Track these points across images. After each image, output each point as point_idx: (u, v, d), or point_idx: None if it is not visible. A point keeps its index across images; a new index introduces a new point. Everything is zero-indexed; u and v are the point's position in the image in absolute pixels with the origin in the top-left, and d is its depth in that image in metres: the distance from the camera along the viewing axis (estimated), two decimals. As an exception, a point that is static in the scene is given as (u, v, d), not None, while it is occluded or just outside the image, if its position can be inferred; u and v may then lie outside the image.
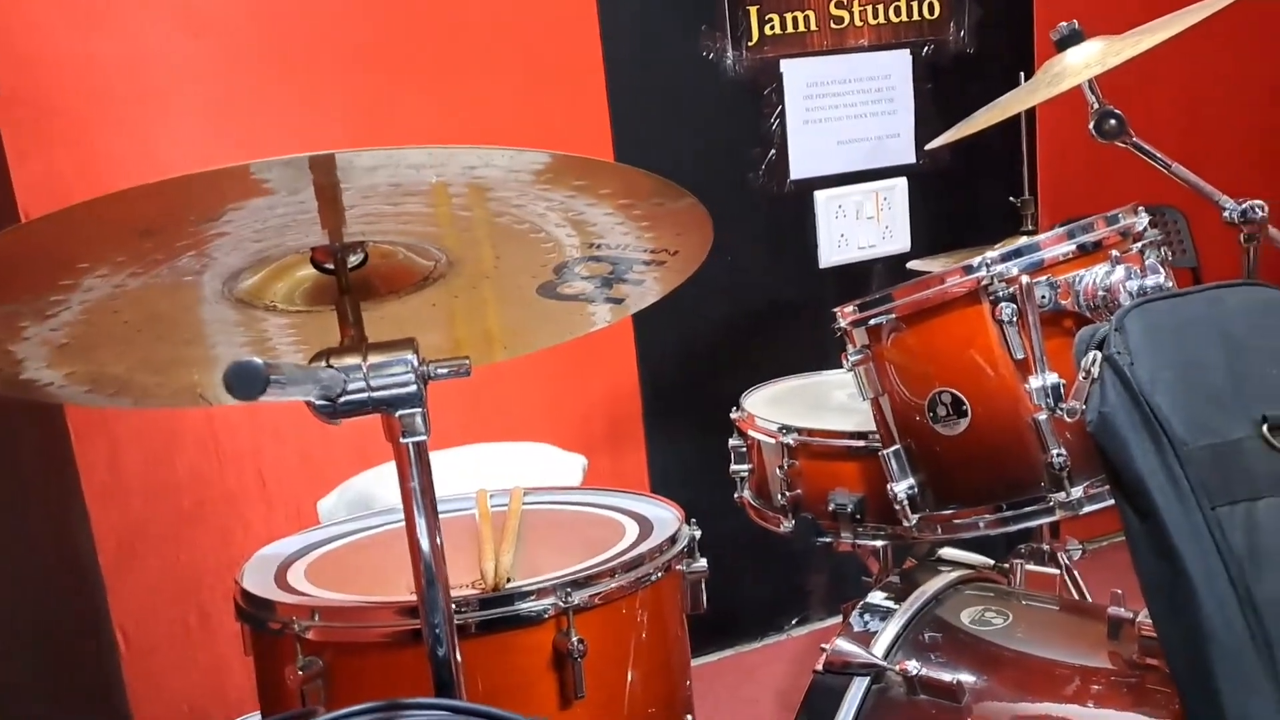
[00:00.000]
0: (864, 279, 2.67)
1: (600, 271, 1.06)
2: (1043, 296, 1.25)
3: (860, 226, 2.66)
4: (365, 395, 0.81)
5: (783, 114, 2.53)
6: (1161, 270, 1.21)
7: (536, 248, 0.97)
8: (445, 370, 0.85)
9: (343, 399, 0.80)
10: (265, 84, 2.08)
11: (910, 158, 2.67)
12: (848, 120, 2.60)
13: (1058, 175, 2.78)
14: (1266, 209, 1.58)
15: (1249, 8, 2.67)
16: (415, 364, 0.82)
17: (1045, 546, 2.06)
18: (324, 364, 0.80)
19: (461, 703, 0.77)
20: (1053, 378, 1.20)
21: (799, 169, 2.57)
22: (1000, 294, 1.26)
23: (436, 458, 2.04)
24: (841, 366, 2.10)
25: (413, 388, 0.81)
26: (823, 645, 1.34)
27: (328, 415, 0.80)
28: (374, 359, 0.82)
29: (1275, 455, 0.93)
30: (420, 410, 0.82)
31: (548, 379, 2.40)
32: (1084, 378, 0.98)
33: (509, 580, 1.20)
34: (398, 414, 0.82)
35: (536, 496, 1.57)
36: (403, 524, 1.50)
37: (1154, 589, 0.95)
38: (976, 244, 2.20)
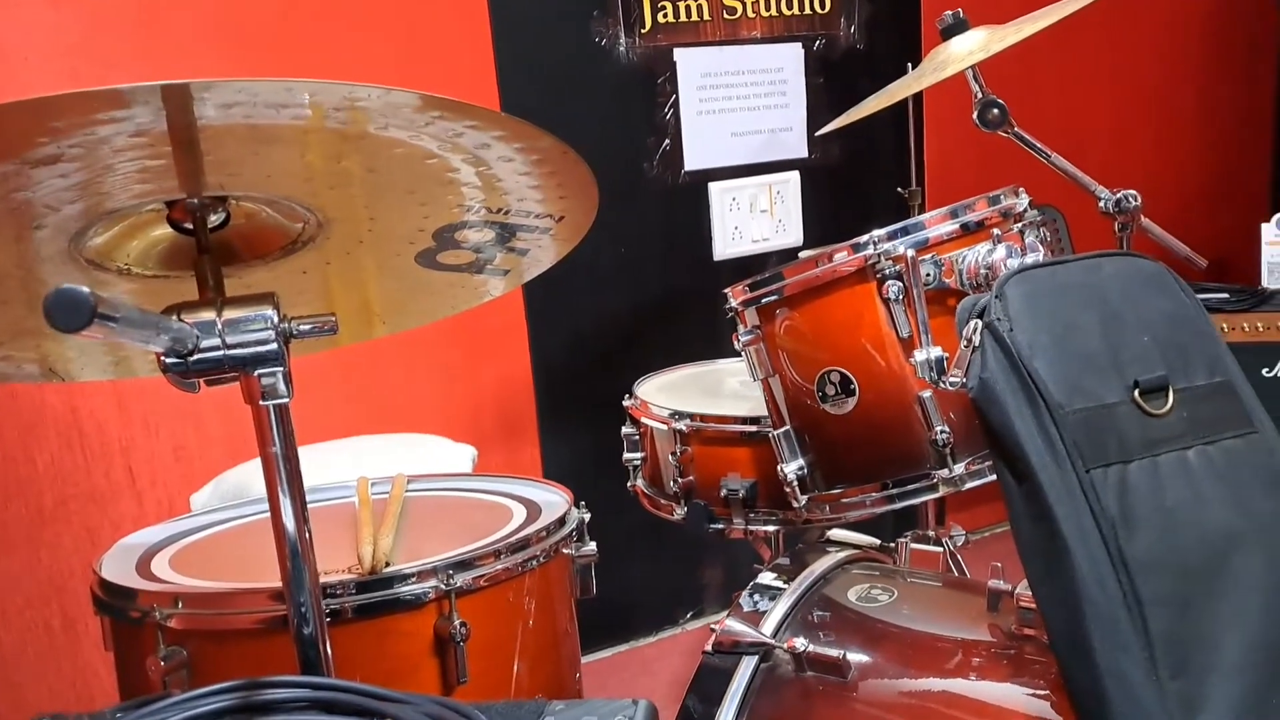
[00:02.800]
0: (758, 271, 2.66)
1: (483, 239, 1.03)
2: (928, 274, 1.26)
3: (754, 219, 2.67)
4: (221, 353, 0.76)
5: (676, 103, 2.52)
6: (1041, 249, 1.23)
7: (413, 208, 0.93)
8: (309, 327, 0.80)
9: (195, 356, 0.75)
10: (127, 48, 1.97)
11: (803, 151, 2.70)
12: (741, 112, 2.61)
13: (945, 168, 2.84)
14: (1140, 199, 1.63)
15: (1129, 4, 2.78)
16: (275, 320, 0.77)
17: (931, 533, 2.10)
18: (175, 317, 0.75)
19: (322, 679, 0.73)
20: (936, 351, 1.21)
21: (693, 160, 2.57)
22: (887, 271, 1.27)
23: (319, 449, 1.98)
24: (736, 355, 2.13)
25: (273, 345, 0.76)
26: (712, 626, 1.33)
27: (180, 374, 0.75)
28: (230, 314, 0.76)
29: (1146, 419, 0.95)
30: (281, 370, 0.77)
31: (438, 369, 2.35)
32: (965, 346, 0.99)
33: (388, 564, 1.16)
34: (256, 374, 0.77)
35: (421, 484, 1.52)
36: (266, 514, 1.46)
37: (1031, 551, 0.96)
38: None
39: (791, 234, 2.72)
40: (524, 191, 0.94)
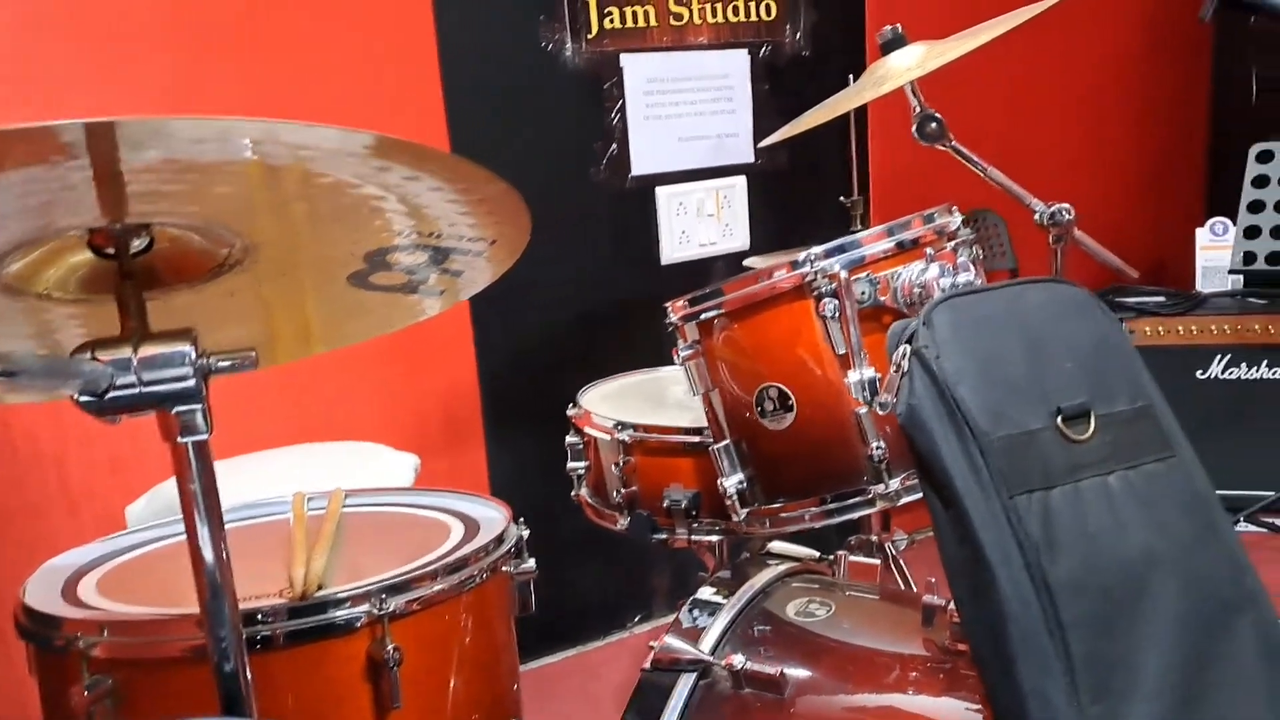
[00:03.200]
0: (705, 276, 2.68)
1: (415, 261, 1.02)
2: (862, 292, 1.27)
3: (701, 224, 2.68)
4: (136, 391, 0.75)
5: (624, 108, 2.52)
6: (972, 268, 1.25)
7: (341, 234, 0.91)
8: (228, 364, 0.78)
9: (110, 395, 0.73)
10: (65, 56, 1.93)
11: (749, 157, 2.71)
12: (688, 118, 2.61)
13: (888, 176, 2.87)
14: (1073, 212, 1.66)
15: (1065, 17, 2.82)
16: (193, 356, 0.76)
17: (874, 538, 2.12)
18: (88, 356, 0.73)
19: (241, 721, 0.72)
20: (870, 372, 1.22)
21: (640, 165, 2.57)
22: (823, 289, 1.28)
23: (260, 458, 1.95)
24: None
25: (191, 382, 0.75)
26: (651, 643, 1.33)
27: (95, 411, 0.74)
28: (146, 350, 0.75)
29: (1069, 445, 0.97)
30: (200, 407, 0.76)
31: (381, 377, 2.32)
32: (895, 371, 1.00)
33: (320, 587, 1.14)
34: (174, 411, 0.75)
35: (360, 499, 1.51)
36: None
37: (957, 574, 0.97)
38: (813, 243, 2.24)
39: (738, 238, 2.73)
40: (454, 217, 0.93)
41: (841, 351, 1.28)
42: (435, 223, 0.94)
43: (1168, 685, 0.91)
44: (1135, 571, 0.94)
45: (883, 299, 1.27)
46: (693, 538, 1.69)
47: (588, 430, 1.80)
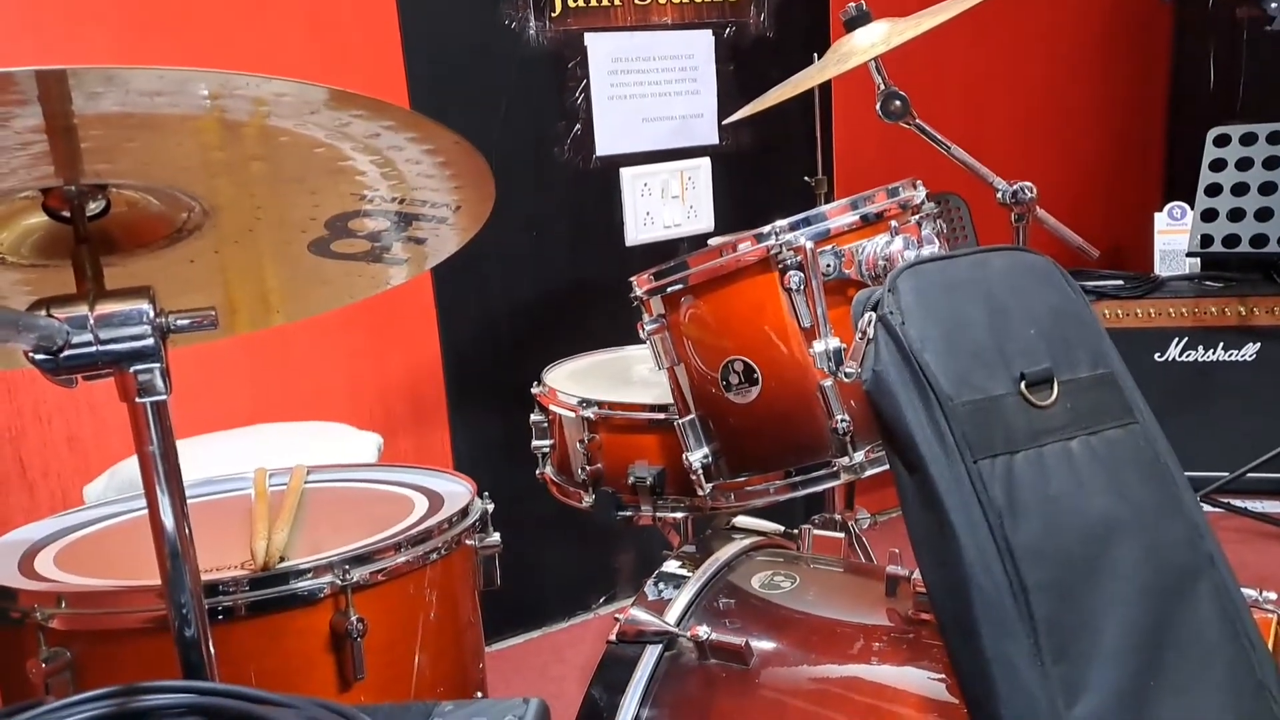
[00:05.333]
0: (670, 258, 2.65)
1: (378, 227, 1.00)
2: (828, 265, 1.28)
3: (665, 205, 2.67)
4: (94, 349, 0.73)
5: (587, 88, 2.51)
6: (936, 241, 1.26)
7: (303, 197, 0.90)
8: (186, 322, 0.77)
9: (66, 352, 0.72)
10: (15, 6, 1.88)
11: (714, 138, 2.70)
12: (652, 98, 2.60)
13: (852, 157, 2.88)
14: (1035, 190, 1.68)
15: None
16: (151, 314, 0.74)
17: (837, 516, 2.13)
18: (44, 312, 0.72)
19: (203, 683, 0.71)
20: (835, 342, 1.23)
21: (605, 145, 2.55)
22: (789, 262, 1.28)
23: (220, 437, 1.92)
24: (644, 342, 2.13)
25: (149, 341, 0.74)
26: (616, 615, 1.33)
27: (51, 370, 0.72)
28: (103, 308, 0.73)
29: (1032, 410, 0.98)
30: (159, 366, 0.74)
31: (344, 355, 2.30)
32: (860, 338, 1.00)
33: (281, 559, 1.13)
34: (132, 370, 0.74)
35: (322, 475, 1.49)
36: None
37: (921, 540, 0.98)
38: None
39: (703, 220, 2.73)
40: (418, 180, 0.92)
41: (807, 324, 1.28)
42: (399, 186, 0.93)
43: (1129, 646, 0.92)
44: (1097, 535, 0.95)
45: (848, 271, 1.27)
46: (658, 514, 1.69)
47: (552, 408, 1.79)
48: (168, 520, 0.76)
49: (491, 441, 2.47)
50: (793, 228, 1.30)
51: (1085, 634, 0.91)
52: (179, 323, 0.76)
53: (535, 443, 1.85)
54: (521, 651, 2.61)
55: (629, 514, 1.71)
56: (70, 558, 1.20)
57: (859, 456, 1.29)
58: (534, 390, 1.84)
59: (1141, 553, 0.96)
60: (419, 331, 2.39)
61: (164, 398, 0.75)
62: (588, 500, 1.74)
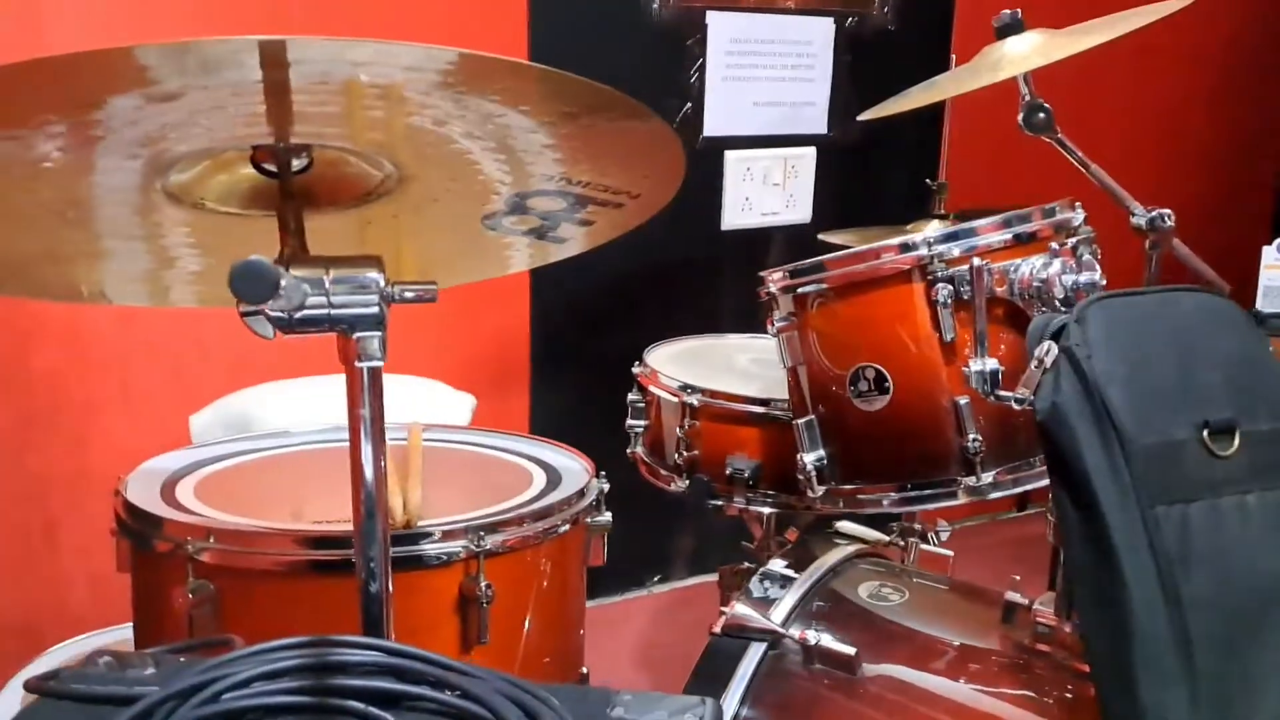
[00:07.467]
0: (764, 246, 2.66)
1: (554, 207, 1.00)
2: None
3: (766, 192, 2.65)
4: (325, 311, 0.74)
5: (703, 67, 2.48)
6: (1097, 266, 1.23)
7: (497, 173, 0.90)
8: (412, 294, 0.78)
9: (300, 313, 0.73)
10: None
11: (822, 128, 2.67)
12: (766, 82, 2.58)
13: (962, 163, 2.83)
14: (1174, 218, 1.63)
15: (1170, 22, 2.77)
16: (381, 284, 0.75)
17: (918, 525, 2.12)
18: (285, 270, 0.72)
19: (395, 644, 0.72)
20: (992, 363, 1.21)
21: (713, 126, 2.53)
22: (939, 274, 1.26)
23: (319, 382, 1.94)
24: (744, 331, 2.12)
25: (375, 309, 0.75)
26: (722, 609, 1.34)
27: (284, 328, 0.73)
28: (337, 273, 0.74)
29: (1211, 460, 0.96)
30: (380, 334, 0.76)
31: (438, 315, 2.29)
32: (1036, 366, 0.99)
33: (419, 519, 1.15)
34: (356, 336, 0.75)
35: (433, 434, 1.50)
36: (290, 450, 1.44)
37: (1083, 578, 0.97)
38: (877, 223, 2.21)
39: (801, 211, 2.70)
40: (608, 169, 0.92)
41: (950, 338, 1.26)
42: (588, 170, 0.93)
43: (1288, 711, 0.91)
44: (1266, 594, 0.93)
45: (998, 290, 1.25)
46: (749, 507, 1.69)
47: (652, 389, 1.79)
48: (369, 476, 0.78)
49: (567, 413, 2.47)
50: (946, 239, 1.28)
51: (1246, 693, 0.90)
52: (405, 294, 0.77)
53: (630, 422, 1.85)
54: (577, 621, 2.62)
55: (720, 503, 1.71)
56: (206, 492, 1.22)
57: (987, 478, 1.28)
58: (635, 370, 1.84)
59: (1306, 617, 0.94)
60: (512, 300, 2.40)
61: (380, 364, 0.77)
62: (679, 485, 1.74)
